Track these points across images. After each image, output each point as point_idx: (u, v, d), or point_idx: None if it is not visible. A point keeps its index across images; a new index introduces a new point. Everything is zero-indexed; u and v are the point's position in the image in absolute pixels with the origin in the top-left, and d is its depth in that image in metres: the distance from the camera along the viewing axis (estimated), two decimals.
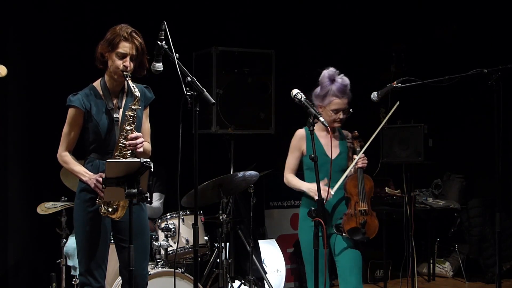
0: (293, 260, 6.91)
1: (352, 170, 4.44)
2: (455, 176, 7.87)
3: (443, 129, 7.66)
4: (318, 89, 4.43)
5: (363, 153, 4.43)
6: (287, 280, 6.56)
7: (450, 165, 7.98)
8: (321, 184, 4.03)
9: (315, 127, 4.07)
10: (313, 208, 3.91)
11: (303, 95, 4.04)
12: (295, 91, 4.04)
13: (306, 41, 7.47)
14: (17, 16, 5.86)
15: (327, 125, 3.96)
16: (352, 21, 7.67)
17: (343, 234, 4.37)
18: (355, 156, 4.44)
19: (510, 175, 7.25)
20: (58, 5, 6.02)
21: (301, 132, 4.51)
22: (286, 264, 6.58)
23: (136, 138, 3.93)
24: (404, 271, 6.56)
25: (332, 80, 4.38)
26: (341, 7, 7.55)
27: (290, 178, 4.50)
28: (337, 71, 4.43)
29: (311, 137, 3.96)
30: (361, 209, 4.40)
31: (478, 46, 7.56)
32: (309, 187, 4.38)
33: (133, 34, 3.96)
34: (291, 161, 4.52)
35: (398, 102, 4.51)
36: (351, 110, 4.43)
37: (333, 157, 4.34)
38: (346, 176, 4.42)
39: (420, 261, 7.35)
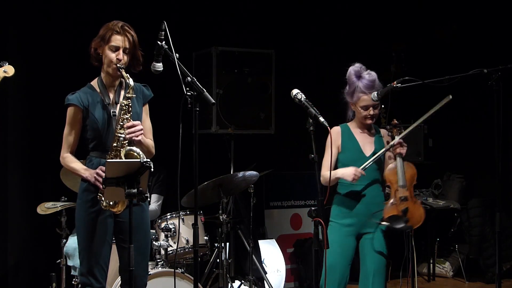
0: (293, 260, 6.91)
1: (387, 155, 4.43)
2: (455, 176, 7.87)
3: (443, 129, 7.65)
4: (347, 87, 4.44)
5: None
6: (287, 280, 6.56)
7: (450, 165, 7.97)
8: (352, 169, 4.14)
9: (351, 125, 4.18)
10: (313, 208, 3.90)
11: (303, 95, 4.03)
12: (295, 91, 4.04)
13: (306, 41, 7.47)
14: (17, 16, 5.86)
15: (327, 125, 3.94)
16: (352, 21, 7.66)
17: (383, 222, 4.31)
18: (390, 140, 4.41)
19: (510, 175, 7.25)
20: (57, 5, 6.01)
21: (336, 129, 4.49)
22: (286, 264, 6.58)
23: (132, 126, 3.92)
24: (404, 271, 6.51)
25: (358, 76, 4.38)
26: (341, 7, 7.55)
27: (326, 175, 4.32)
28: (363, 66, 4.41)
29: (312, 137, 3.95)
30: (401, 195, 4.34)
31: (477, 46, 7.56)
32: (343, 172, 4.31)
33: (125, 27, 3.99)
34: (328, 158, 4.39)
35: (450, 96, 4.40)
36: (382, 106, 4.41)
37: (368, 154, 4.39)
38: (376, 157, 4.37)
39: (420, 261, 7.34)
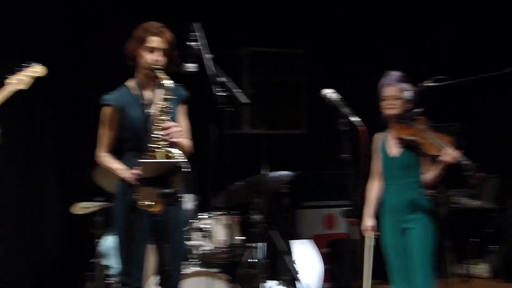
0: (327, 260, 6.88)
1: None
2: (490, 176, 7.77)
3: (477, 128, 7.56)
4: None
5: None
6: (321, 280, 6.54)
7: (485, 165, 7.86)
8: None
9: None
10: (346, 208, 3.90)
11: (335, 95, 4.02)
12: (327, 91, 4.03)
13: (339, 40, 7.44)
14: (47, 17, 5.92)
15: (359, 125, 3.93)
16: (384, 21, 7.62)
17: None
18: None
19: None
20: (90, 6, 6.06)
21: (377, 135, 4.53)
22: (320, 264, 6.56)
23: (169, 127, 3.93)
24: (440, 271, 6.49)
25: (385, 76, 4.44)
26: (375, 6, 7.51)
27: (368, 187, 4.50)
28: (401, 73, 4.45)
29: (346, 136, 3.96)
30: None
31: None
32: None
33: (161, 28, 3.99)
34: (373, 164, 4.51)
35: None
36: (407, 94, 4.37)
37: (396, 155, 4.39)
38: None
39: (456, 262, 7.27)
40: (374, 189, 4.50)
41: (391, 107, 4.41)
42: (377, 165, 4.50)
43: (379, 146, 4.50)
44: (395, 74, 4.42)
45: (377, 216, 4.48)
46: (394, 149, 4.42)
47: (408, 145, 4.33)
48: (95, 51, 6.03)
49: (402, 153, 4.42)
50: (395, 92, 4.38)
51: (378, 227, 4.41)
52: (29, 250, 5.85)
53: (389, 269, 4.40)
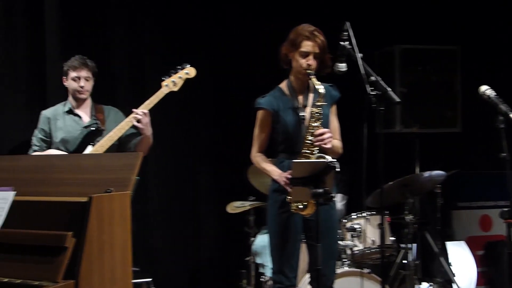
0: (484, 263, 6.65)
1: None
2: None
3: None
4: None
5: None
6: (477, 283, 6.34)
7: None
8: None
9: None
10: (505, 209, 3.76)
11: (492, 92, 3.89)
12: (484, 88, 3.90)
13: (494, 36, 7.15)
14: (201, 19, 6.07)
15: None
16: None
17: None
18: None
19: None
20: (244, 8, 6.19)
21: None
22: (476, 267, 6.36)
23: (322, 134, 3.97)
24: None
25: None
26: None
27: None
28: None
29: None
30: None
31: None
32: None
33: (315, 32, 4.03)
34: None
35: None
36: None
37: None
38: None
39: None
40: None
41: None
42: None
43: None
44: None
45: None
46: None
47: None
48: (249, 52, 6.14)
49: None
50: None
51: None
52: (186, 248, 6.03)
53: None
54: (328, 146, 3.98)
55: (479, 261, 6.63)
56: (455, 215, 6.73)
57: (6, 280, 2.76)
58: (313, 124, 3.99)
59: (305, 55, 4.01)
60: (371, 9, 6.59)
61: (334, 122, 4.21)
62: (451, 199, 6.67)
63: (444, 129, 6.29)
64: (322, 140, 3.95)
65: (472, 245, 6.52)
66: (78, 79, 4.66)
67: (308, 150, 3.98)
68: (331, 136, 4.01)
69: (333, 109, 4.20)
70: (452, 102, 6.27)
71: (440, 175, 5.23)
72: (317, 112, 3.99)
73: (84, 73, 4.67)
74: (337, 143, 4.18)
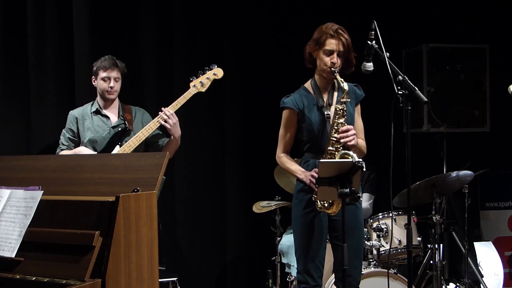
0: (510, 263, 6.59)
1: None
2: None
3: None
4: None
5: None
6: (505, 284, 6.28)
7: None
8: None
9: None
10: None
11: None
12: None
13: None
14: (231, 20, 6.09)
15: None
16: None
17: None
18: None
19: None
20: (268, 9, 6.18)
21: None
22: (504, 267, 6.30)
23: (347, 130, 3.96)
24: None
25: None
26: None
27: None
28: None
29: None
30: None
31: None
32: None
33: (339, 31, 4.02)
34: None
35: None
36: None
37: None
38: None
39: None
40: None
41: None
42: None
43: None
44: None
45: None
46: None
47: None
48: (276, 52, 6.14)
49: None
50: None
51: None
52: (212, 248, 6.04)
53: None
54: (353, 143, 3.97)
55: (507, 261, 6.57)
56: (483, 215, 6.67)
57: (33, 278, 2.78)
58: (337, 121, 3.98)
59: (329, 53, 4.01)
60: (398, 8, 6.55)
61: (358, 121, 4.20)
62: (479, 199, 6.62)
63: (472, 128, 6.23)
64: (347, 136, 3.94)
65: (500, 245, 6.47)
66: (108, 79, 4.70)
67: (333, 147, 3.98)
68: (355, 134, 4.00)
69: (358, 109, 4.19)
70: (481, 101, 6.21)
71: (467, 175, 5.19)
72: (341, 109, 3.98)
73: (114, 73, 4.70)
74: (361, 142, 4.17)
